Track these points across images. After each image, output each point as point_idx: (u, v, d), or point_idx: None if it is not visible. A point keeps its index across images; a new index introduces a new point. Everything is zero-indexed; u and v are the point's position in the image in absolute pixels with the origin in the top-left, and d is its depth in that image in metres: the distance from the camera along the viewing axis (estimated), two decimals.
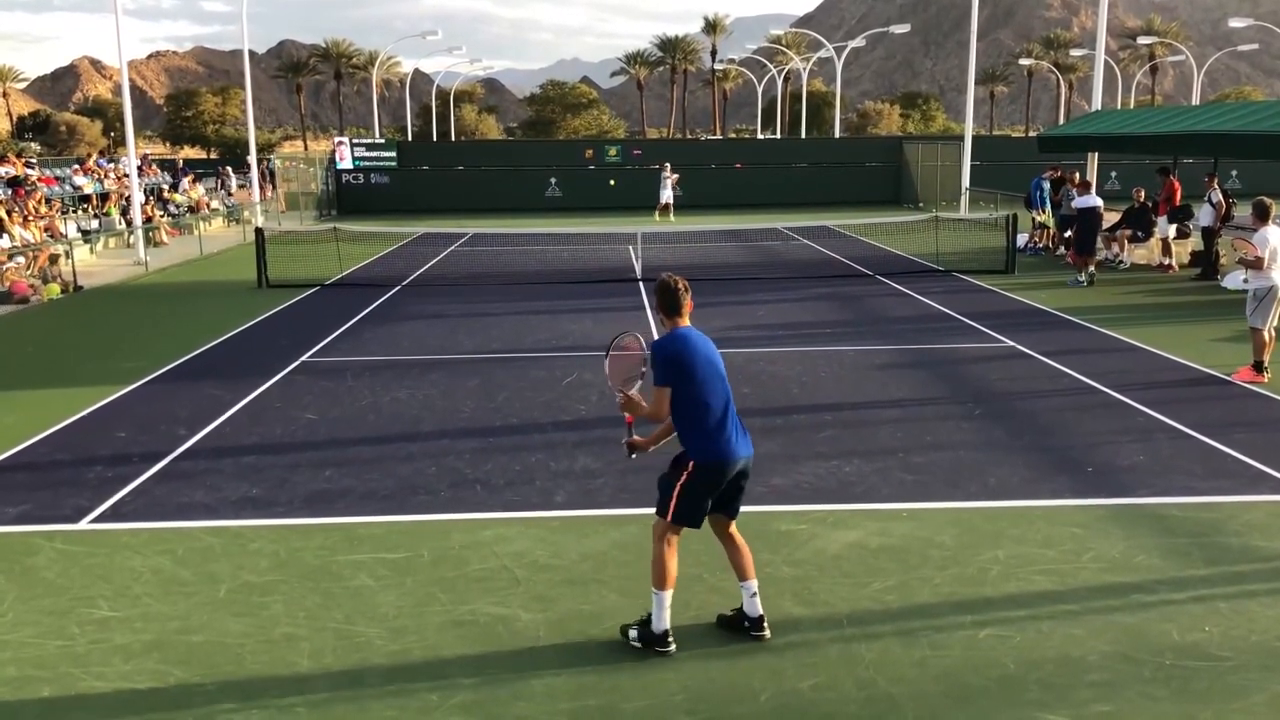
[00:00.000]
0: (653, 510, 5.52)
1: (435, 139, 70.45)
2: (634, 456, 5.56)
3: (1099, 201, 18.46)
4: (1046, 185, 22.40)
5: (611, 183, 32.53)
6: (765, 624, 5.42)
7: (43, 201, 25.18)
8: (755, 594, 5.42)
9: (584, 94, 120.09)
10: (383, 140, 42.31)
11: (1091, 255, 18.32)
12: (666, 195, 33.08)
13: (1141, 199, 20.39)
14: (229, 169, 40.83)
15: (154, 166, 36.83)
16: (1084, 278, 17.99)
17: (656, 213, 32.71)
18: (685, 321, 5.36)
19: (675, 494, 5.24)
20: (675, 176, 33.68)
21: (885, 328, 14.25)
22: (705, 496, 5.26)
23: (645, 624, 5.34)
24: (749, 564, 5.44)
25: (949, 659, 5.19)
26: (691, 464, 5.22)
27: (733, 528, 5.48)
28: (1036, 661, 5.14)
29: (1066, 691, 4.87)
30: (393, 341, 13.71)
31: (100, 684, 5.07)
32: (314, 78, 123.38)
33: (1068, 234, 20.95)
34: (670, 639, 5.28)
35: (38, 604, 5.96)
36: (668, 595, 5.27)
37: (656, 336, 5.50)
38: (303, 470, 8.29)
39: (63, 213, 26.39)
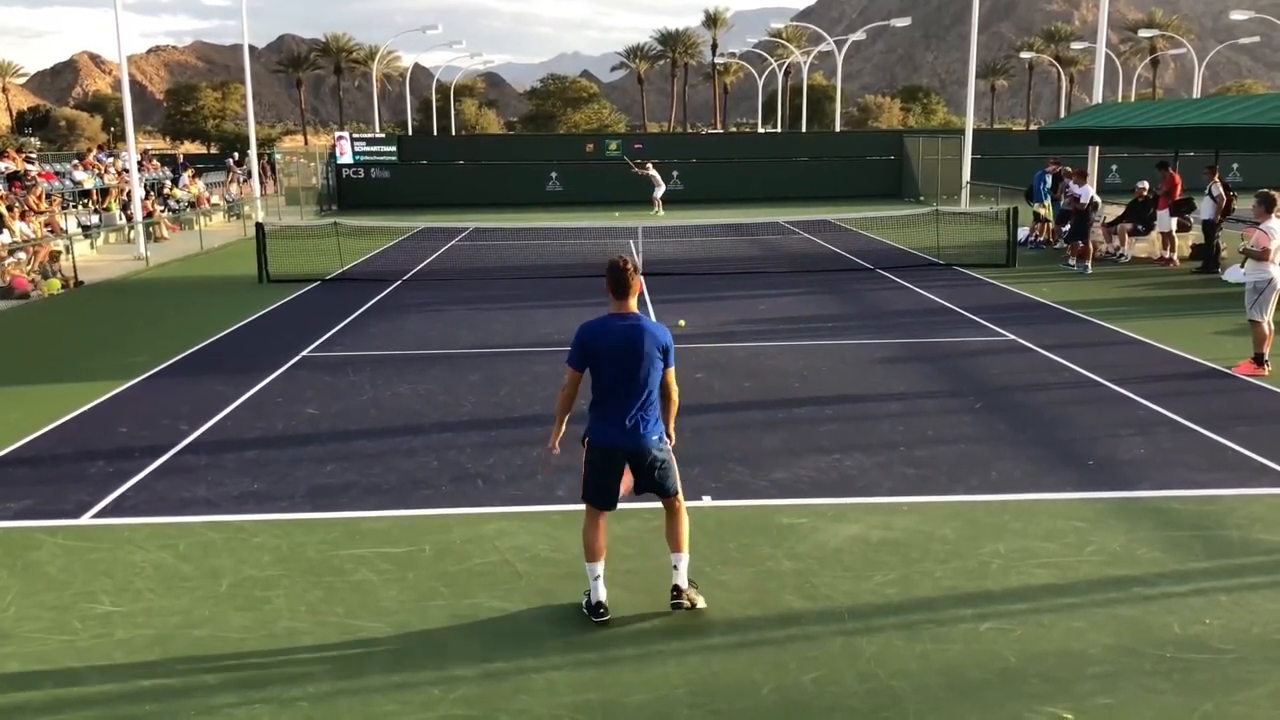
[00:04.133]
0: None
1: (435, 133, 70.40)
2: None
3: (1086, 193, 19.28)
4: (1049, 179, 22.41)
5: (616, 214, 32.54)
6: (683, 594, 5.59)
7: (43, 197, 25.15)
8: (677, 567, 5.63)
9: (584, 88, 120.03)
10: (383, 135, 42.30)
11: (1084, 243, 18.93)
12: (660, 190, 32.83)
13: (1145, 193, 20.37)
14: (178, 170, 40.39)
15: (154, 161, 36.78)
16: (1074, 264, 18.83)
17: (658, 209, 32.56)
18: (630, 305, 5.54)
19: (583, 474, 5.61)
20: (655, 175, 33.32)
21: (886, 321, 14.24)
22: (602, 475, 5.54)
23: (587, 596, 5.62)
24: (678, 538, 5.64)
25: (950, 652, 5.19)
26: (586, 443, 5.57)
27: (676, 503, 5.68)
28: (1038, 654, 5.15)
29: (1068, 684, 4.87)
30: (394, 336, 13.71)
31: (102, 678, 5.08)
32: (314, 72, 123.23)
33: (1065, 227, 21.04)
34: (603, 611, 5.52)
35: (40, 599, 5.96)
36: (594, 566, 5.57)
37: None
38: (304, 465, 8.30)
39: (63, 208, 26.36)
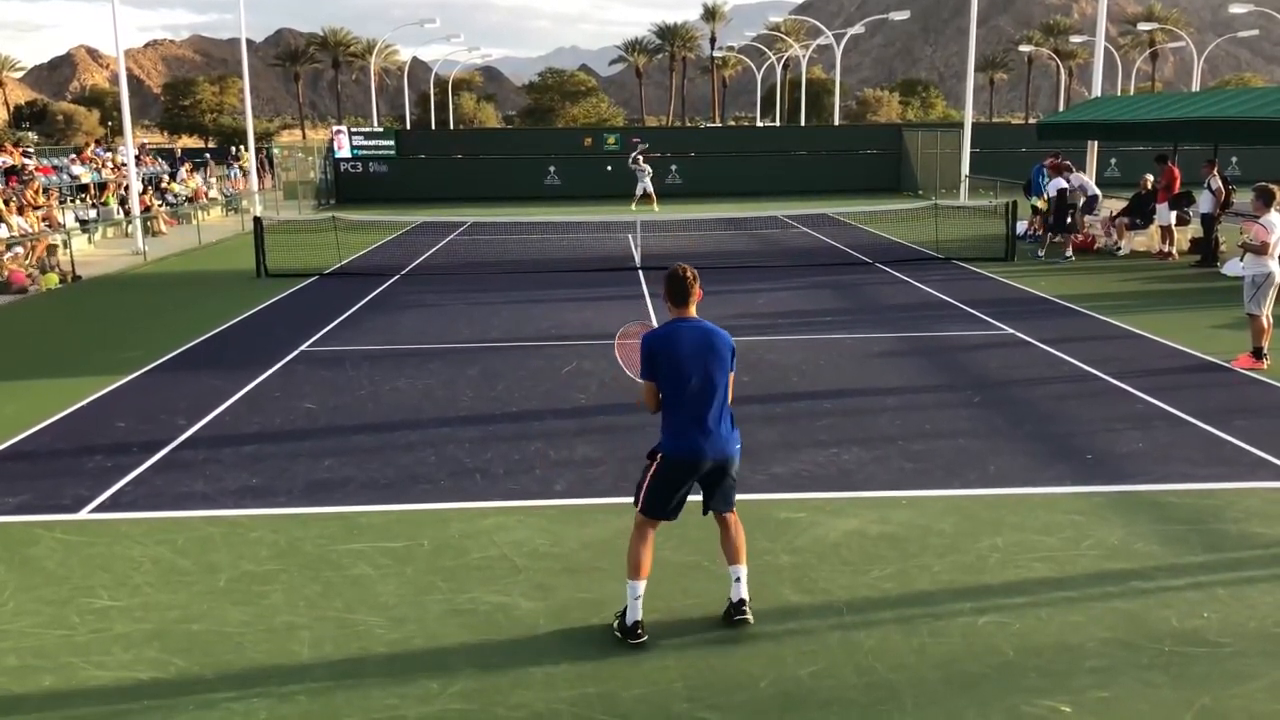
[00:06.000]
0: None
1: (433, 127, 70.30)
2: None
3: (1065, 184, 19.68)
4: (1047, 173, 22.39)
5: (609, 168, 33.02)
6: (746, 607, 5.41)
7: (40, 191, 25.12)
8: (739, 579, 5.42)
9: (582, 82, 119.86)
10: (381, 129, 42.22)
11: (1063, 234, 19.65)
12: (643, 186, 32.65)
13: (1148, 186, 20.37)
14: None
15: (150, 156, 36.71)
16: (1042, 252, 19.53)
17: (634, 204, 32.27)
18: (690, 312, 5.32)
19: (644, 485, 5.30)
20: (649, 170, 33.19)
21: (885, 315, 14.24)
22: (673, 489, 5.26)
23: (623, 615, 5.34)
24: (737, 549, 5.42)
25: (948, 646, 5.20)
26: (660, 456, 5.26)
27: (734, 516, 5.46)
28: (1035, 648, 5.15)
29: (1065, 678, 4.88)
30: (392, 331, 13.70)
31: (101, 673, 5.08)
32: (312, 66, 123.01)
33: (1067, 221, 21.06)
34: (640, 631, 5.25)
35: (38, 594, 5.96)
36: (637, 585, 5.27)
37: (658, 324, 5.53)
38: (302, 460, 8.29)
39: (60, 202, 26.33)
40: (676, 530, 6.56)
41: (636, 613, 5.27)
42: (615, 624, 5.37)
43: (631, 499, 5.43)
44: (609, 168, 36.01)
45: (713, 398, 5.22)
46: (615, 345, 5.68)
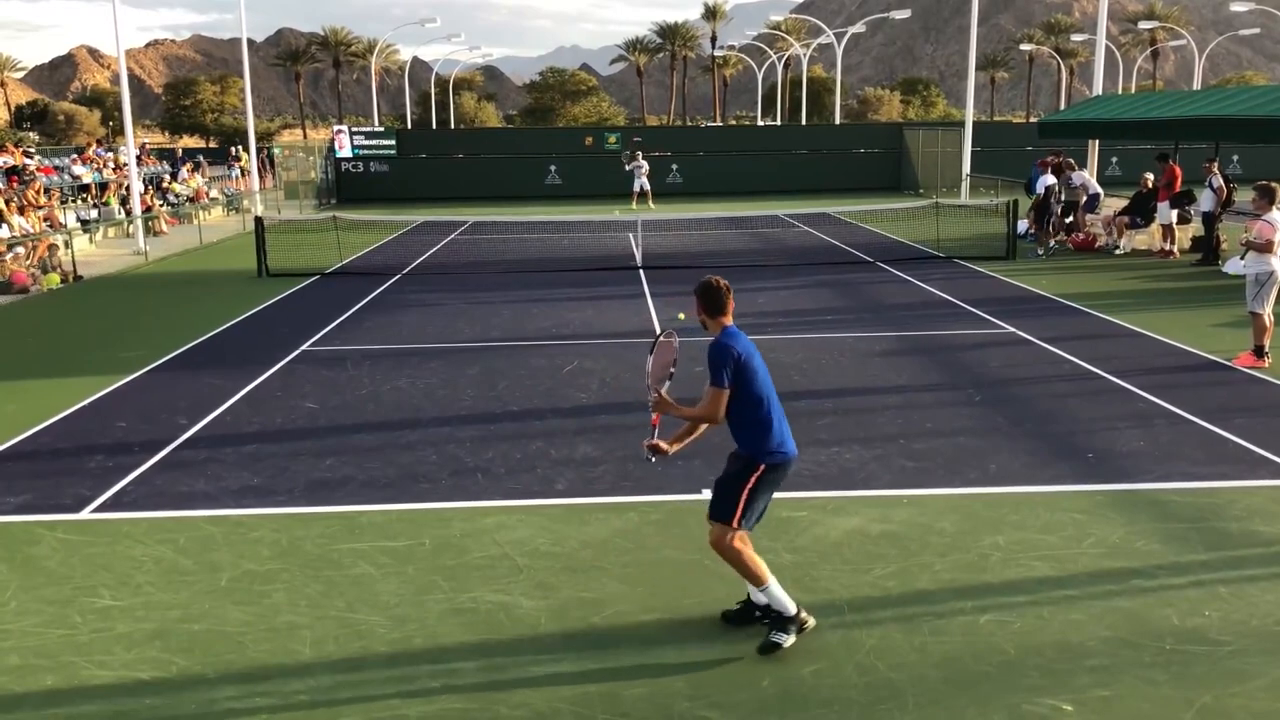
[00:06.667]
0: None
1: (434, 127, 70.27)
2: (653, 460, 5.40)
3: (1053, 181, 20.09)
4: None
5: (616, 211, 32.79)
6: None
7: (41, 191, 25.14)
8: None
9: (583, 81, 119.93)
10: (382, 128, 42.22)
11: (1046, 231, 19.98)
12: (640, 183, 32.59)
13: (1149, 184, 20.35)
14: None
15: (152, 156, 36.72)
16: (1042, 251, 19.76)
17: (634, 202, 32.19)
18: (730, 320, 5.29)
19: (744, 498, 5.13)
20: (646, 166, 33.10)
21: (885, 314, 14.24)
22: (769, 495, 5.25)
23: (779, 621, 5.17)
24: None
25: (949, 645, 5.20)
26: (763, 467, 5.15)
27: None
28: (1036, 647, 5.15)
29: (1066, 676, 4.88)
30: (393, 330, 13.70)
31: (103, 672, 5.08)
32: (312, 66, 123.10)
33: (1069, 219, 21.08)
34: (804, 613, 5.21)
35: (40, 593, 5.97)
36: (774, 582, 5.17)
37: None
38: (303, 459, 8.30)
39: (62, 202, 26.34)
40: (676, 529, 6.58)
41: (790, 602, 5.18)
42: (778, 639, 5.14)
43: (711, 515, 5.20)
44: (616, 210, 35.58)
45: (778, 401, 5.27)
46: (655, 346, 5.40)
